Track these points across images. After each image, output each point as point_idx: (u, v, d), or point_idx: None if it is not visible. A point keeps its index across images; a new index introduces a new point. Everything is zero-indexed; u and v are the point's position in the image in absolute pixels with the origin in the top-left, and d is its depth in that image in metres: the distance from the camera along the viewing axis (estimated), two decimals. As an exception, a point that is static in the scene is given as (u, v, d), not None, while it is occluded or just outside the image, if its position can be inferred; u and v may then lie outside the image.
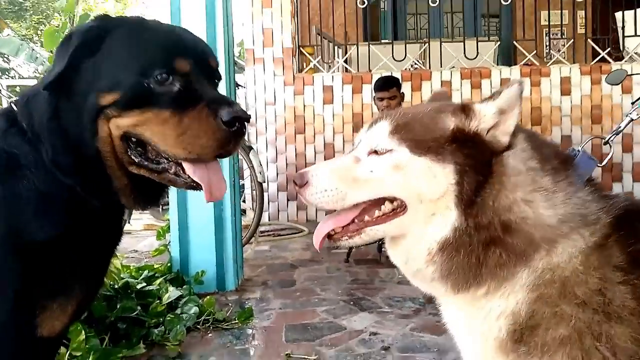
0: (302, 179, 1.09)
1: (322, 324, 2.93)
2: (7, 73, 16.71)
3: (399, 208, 1.06)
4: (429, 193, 1.02)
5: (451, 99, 1.27)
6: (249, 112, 6.35)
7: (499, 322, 1.01)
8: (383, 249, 4.26)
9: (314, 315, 3.06)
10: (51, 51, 2.87)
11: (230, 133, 1.18)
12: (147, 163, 1.23)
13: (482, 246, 0.99)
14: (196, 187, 1.22)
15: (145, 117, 1.19)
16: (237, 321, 2.93)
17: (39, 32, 16.66)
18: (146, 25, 1.29)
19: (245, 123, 1.21)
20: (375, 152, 1.08)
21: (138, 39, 1.24)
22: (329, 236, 1.11)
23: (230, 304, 3.25)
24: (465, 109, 1.07)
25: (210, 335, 2.81)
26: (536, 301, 0.98)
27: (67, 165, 1.22)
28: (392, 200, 1.06)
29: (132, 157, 1.23)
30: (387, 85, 4.65)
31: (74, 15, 3.10)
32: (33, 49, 7.53)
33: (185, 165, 1.22)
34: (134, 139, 1.22)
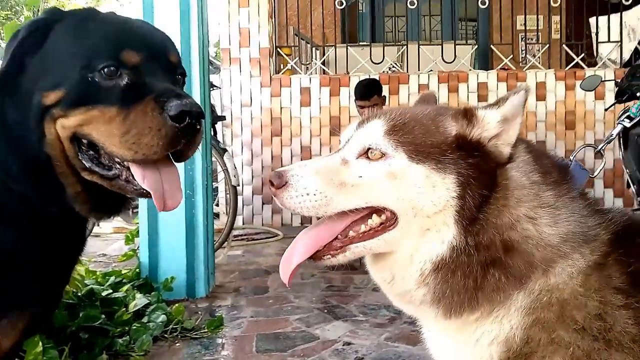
0: (280, 179, 0.95)
1: (295, 333, 2.85)
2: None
3: (388, 222, 0.95)
4: (426, 206, 0.92)
5: (438, 102, 1.19)
6: (221, 113, 6.24)
7: (490, 349, 0.92)
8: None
9: (286, 324, 2.98)
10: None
11: (180, 129, 1.07)
12: (99, 169, 1.14)
13: (481, 268, 0.90)
14: (147, 195, 1.12)
15: (90, 115, 1.10)
16: (206, 330, 2.83)
17: (3, 30, 16.23)
18: (95, 17, 1.19)
19: (200, 119, 1.10)
20: (367, 154, 0.96)
21: (84, 31, 1.14)
22: (309, 254, 0.97)
23: (200, 312, 3.15)
24: (467, 114, 0.97)
25: (177, 345, 2.70)
26: (532, 326, 0.89)
27: (16, 171, 1.13)
28: (380, 212, 0.95)
29: (84, 161, 1.13)
30: (368, 95, 4.58)
31: (38, 10, 2.95)
32: (1, 46, 7.29)
33: (134, 170, 1.11)
34: (85, 142, 1.12)
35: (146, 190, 1.11)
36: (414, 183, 0.92)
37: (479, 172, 0.92)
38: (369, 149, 0.96)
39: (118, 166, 1.13)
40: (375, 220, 0.95)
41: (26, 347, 2.09)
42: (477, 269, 0.89)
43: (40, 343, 2.14)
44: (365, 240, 0.96)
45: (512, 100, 0.94)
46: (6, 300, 1.12)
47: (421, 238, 0.93)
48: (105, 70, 1.09)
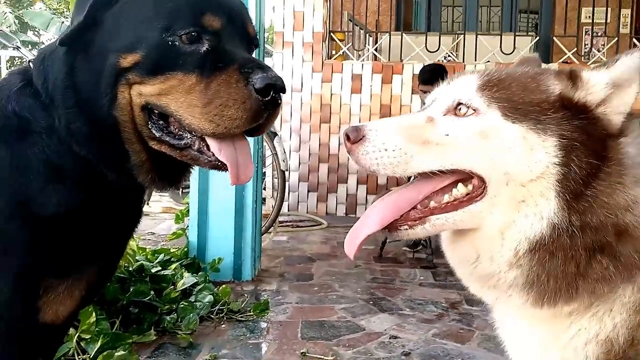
0: (357, 133, 0.87)
1: (340, 322, 2.81)
2: (37, 47, 16.88)
3: (476, 191, 0.84)
4: (522, 172, 0.81)
5: (540, 65, 1.07)
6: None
7: (587, 348, 0.82)
8: (419, 248, 4.11)
9: (331, 313, 2.94)
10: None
11: (264, 103, 1.02)
12: (169, 138, 1.09)
13: (586, 253, 0.79)
14: (221, 167, 1.08)
15: (169, 84, 1.04)
16: (252, 313, 2.83)
17: (69, 6, 16.76)
18: None
19: (282, 93, 1.05)
20: (455, 111, 0.87)
21: None
22: (384, 226, 0.87)
23: (245, 295, 3.15)
24: (572, 75, 0.87)
25: (223, 326, 2.71)
26: None
27: (82, 133, 1.09)
28: (466, 181, 0.86)
29: (153, 130, 1.09)
30: (432, 80, 4.44)
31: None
32: (63, 22, 7.51)
33: (210, 142, 1.07)
34: (156, 111, 1.08)
35: (220, 162, 1.07)
36: (508, 144, 0.82)
37: (587, 136, 0.81)
38: (458, 104, 0.87)
39: (189, 135, 1.08)
40: (461, 189, 0.86)
41: (80, 316, 2.13)
42: (581, 253, 0.79)
43: (94, 314, 2.18)
44: (448, 212, 0.86)
45: (623, 61, 0.83)
46: (64, 265, 1.10)
47: (515, 211, 0.82)
48: (187, 34, 1.04)
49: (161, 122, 1.09)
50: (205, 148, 1.08)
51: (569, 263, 0.79)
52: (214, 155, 1.07)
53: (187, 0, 1.07)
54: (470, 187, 0.86)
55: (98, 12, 1.06)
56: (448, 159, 0.85)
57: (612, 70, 0.84)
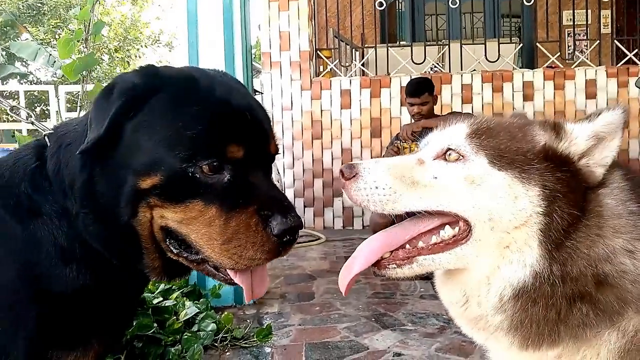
0: (351, 171, 0.91)
1: (344, 342, 2.83)
2: (25, 78, 16.90)
3: (462, 234, 0.88)
4: (506, 218, 0.84)
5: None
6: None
7: None
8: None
9: (334, 333, 2.96)
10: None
11: (281, 244, 1.03)
12: (187, 254, 1.09)
13: (566, 301, 0.82)
14: (235, 284, 1.10)
15: (190, 215, 1.03)
16: (255, 339, 2.84)
17: (56, 36, 16.82)
18: (197, 90, 1.08)
19: (299, 231, 1.05)
20: (444, 156, 0.91)
21: (185, 112, 1.04)
22: (372, 263, 0.91)
23: (248, 320, 3.16)
24: (555, 126, 0.91)
25: (228, 354, 2.72)
26: None
27: (98, 234, 1.10)
28: (453, 224, 0.89)
29: (171, 247, 1.09)
30: (419, 92, 4.52)
31: (89, 23, 3.03)
32: (50, 54, 7.55)
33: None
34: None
35: (233, 281, 1.09)
36: (493, 191, 0.85)
37: (568, 189, 0.84)
38: (447, 150, 0.91)
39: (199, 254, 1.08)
40: (448, 232, 0.89)
41: (85, 356, 2.14)
42: (562, 301, 0.82)
43: (98, 352, 2.20)
44: (435, 253, 0.90)
45: (605, 116, 0.87)
46: (71, 339, 1.12)
47: (500, 257, 0.86)
48: (208, 166, 1.01)
49: (178, 239, 1.09)
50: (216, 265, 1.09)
51: (550, 310, 0.82)
52: (228, 274, 1.08)
53: (210, 127, 1.04)
54: (456, 229, 0.89)
55: (118, 123, 1.03)
56: (434, 201, 0.88)
57: (595, 123, 0.88)
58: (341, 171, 0.93)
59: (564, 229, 0.83)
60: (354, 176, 0.91)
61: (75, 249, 1.11)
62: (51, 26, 16.97)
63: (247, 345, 2.79)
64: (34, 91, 16.41)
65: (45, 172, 1.13)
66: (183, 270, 1.19)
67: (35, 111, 17.22)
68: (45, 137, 1.19)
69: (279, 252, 1.04)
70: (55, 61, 9.35)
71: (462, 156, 0.89)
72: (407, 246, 0.91)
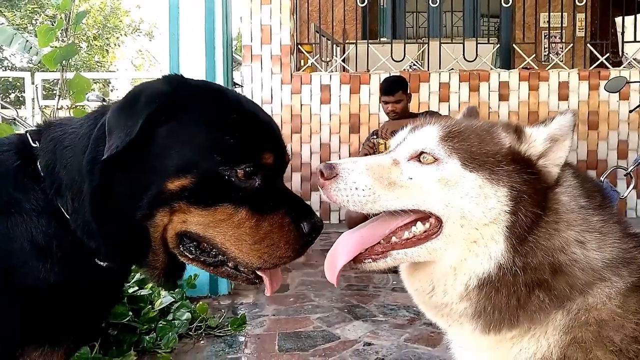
0: (331, 171, 0.94)
1: (316, 332, 2.90)
2: (1, 63, 16.52)
3: (433, 229, 0.94)
4: (476, 217, 0.90)
5: (479, 115, 1.20)
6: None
7: None
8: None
9: (307, 323, 3.03)
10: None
11: (307, 243, 1.08)
12: (204, 258, 1.10)
13: (526, 288, 0.89)
14: (256, 283, 1.13)
15: (218, 217, 1.04)
16: (229, 328, 2.89)
17: (33, 21, 16.50)
18: (227, 100, 1.12)
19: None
20: (419, 158, 0.96)
21: (222, 119, 1.07)
22: (352, 257, 0.96)
23: (222, 310, 3.21)
24: (517, 129, 0.98)
25: (202, 342, 2.77)
26: (569, 345, 0.89)
27: (102, 234, 1.09)
28: (424, 220, 0.95)
29: (186, 252, 1.10)
30: (393, 90, 4.60)
31: (70, 13, 3.02)
32: (27, 40, 7.42)
33: None
34: (189, 237, 1.08)
35: (257, 279, 1.12)
36: (465, 191, 0.91)
37: (532, 190, 0.91)
38: (422, 152, 0.95)
39: (221, 255, 1.09)
40: (419, 227, 0.95)
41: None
42: (522, 289, 0.89)
43: (73, 339, 2.23)
44: (407, 248, 0.95)
45: (558, 120, 0.95)
46: (42, 334, 1.11)
47: (467, 250, 0.92)
48: (243, 170, 1.04)
49: (194, 243, 1.10)
50: (240, 266, 1.10)
51: (511, 297, 0.89)
52: (252, 273, 1.11)
53: (247, 135, 1.07)
54: (427, 225, 0.94)
55: (148, 128, 1.03)
56: (410, 200, 0.93)
57: (550, 127, 0.95)
58: (320, 171, 0.95)
59: (528, 226, 0.90)
60: (334, 176, 0.94)
61: (52, 248, 1.10)
62: (28, 11, 16.60)
63: (221, 334, 2.85)
64: (9, 77, 16.06)
65: (30, 171, 1.12)
66: (180, 274, 1.20)
67: (10, 98, 16.88)
68: (28, 135, 1.17)
69: (304, 250, 1.10)
70: (31, 47, 9.20)
71: (436, 159, 0.94)
72: (382, 241, 0.96)
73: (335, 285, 1.01)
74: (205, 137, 1.05)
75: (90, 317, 1.21)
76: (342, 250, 0.98)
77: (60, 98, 2.75)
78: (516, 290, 0.90)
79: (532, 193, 0.91)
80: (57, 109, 4.31)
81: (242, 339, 2.83)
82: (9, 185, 1.10)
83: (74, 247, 1.11)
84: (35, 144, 1.15)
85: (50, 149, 1.13)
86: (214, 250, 1.09)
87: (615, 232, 0.94)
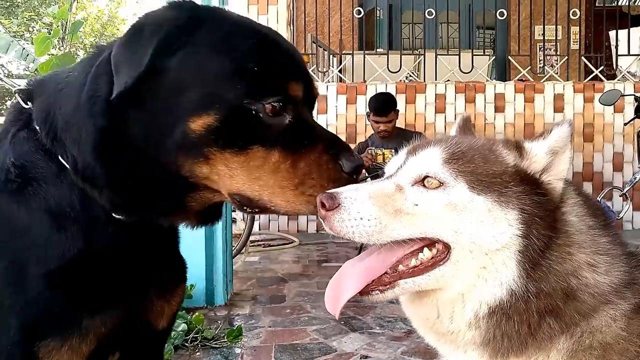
0: (333, 201, 0.87)
1: (313, 344, 2.89)
2: (-4, 69, 16.49)
3: (440, 256, 0.89)
4: (487, 242, 0.85)
5: (473, 127, 1.15)
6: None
7: None
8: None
9: (304, 335, 3.02)
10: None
11: (348, 182, 0.97)
12: (252, 210, 1.00)
13: (538, 315, 0.85)
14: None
15: (252, 163, 0.94)
16: (226, 339, 2.87)
17: (30, 29, 16.49)
18: (244, 25, 1.00)
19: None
20: (423, 182, 0.90)
21: (242, 43, 0.95)
22: (359, 290, 0.90)
23: (219, 321, 3.19)
24: (517, 145, 0.93)
25: (198, 354, 2.75)
26: None
27: (110, 178, 0.97)
28: (431, 246, 0.90)
29: (237, 207, 1.00)
30: (385, 111, 4.62)
31: (66, 21, 3.03)
32: (24, 48, 7.41)
33: None
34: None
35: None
36: (475, 216, 0.86)
37: (543, 211, 0.87)
38: (426, 177, 0.90)
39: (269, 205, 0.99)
40: (426, 254, 0.90)
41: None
42: (534, 316, 0.85)
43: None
44: (415, 276, 0.90)
45: (557, 131, 0.91)
46: (64, 323, 0.99)
47: (476, 276, 0.87)
48: (271, 105, 0.93)
49: (241, 200, 0.99)
50: (288, 213, 1.01)
51: (522, 325, 0.86)
52: None
53: (271, 62, 0.94)
54: (434, 251, 0.90)
55: (158, 59, 0.92)
56: (418, 228, 0.88)
57: (549, 139, 0.91)
58: (321, 202, 0.88)
59: (541, 249, 0.86)
60: (336, 207, 0.87)
61: (70, 212, 0.99)
62: (25, 19, 16.60)
63: (217, 345, 2.83)
64: (4, 85, 16.00)
65: (29, 132, 1.01)
66: (218, 217, 1.11)
67: (6, 105, 16.81)
68: (18, 97, 1.06)
69: None
70: (28, 55, 9.20)
71: (442, 183, 0.89)
72: (388, 270, 0.91)
73: (335, 317, 0.95)
74: (224, 64, 0.92)
75: (126, 294, 1.05)
76: (348, 282, 0.92)
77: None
78: (528, 317, 0.86)
79: (543, 214, 0.87)
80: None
81: (238, 350, 2.81)
82: (12, 155, 1.00)
83: (84, 204, 0.99)
84: (28, 104, 1.04)
85: (44, 100, 1.02)
86: (260, 203, 0.97)
87: (618, 253, 0.91)
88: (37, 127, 1.01)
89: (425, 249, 0.90)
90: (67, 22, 2.94)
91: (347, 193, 0.89)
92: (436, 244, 0.90)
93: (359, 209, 0.87)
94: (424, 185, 0.90)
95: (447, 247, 0.89)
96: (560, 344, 0.87)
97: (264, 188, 0.95)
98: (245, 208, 1.00)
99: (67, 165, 0.99)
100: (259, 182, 0.95)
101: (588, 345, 0.86)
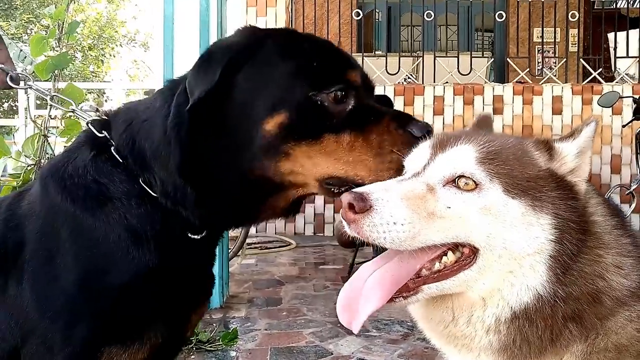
0: (364, 203, 0.79)
1: (309, 347, 2.86)
2: (-6, 71, 16.41)
3: (465, 259, 0.83)
4: (519, 247, 0.81)
5: (493, 126, 1.10)
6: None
7: None
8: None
9: (300, 338, 2.99)
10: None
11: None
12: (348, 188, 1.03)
13: (563, 320, 0.81)
14: None
15: (327, 149, 1.00)
16: (221, 342, 2.85)
17: (28, 31, 16.50)
18: (298, 35, 1.12)
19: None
20: (455, 183, 0.84)
21: (299, 48, 1.06)
22: (386, 300, 0.83)
23: (214, 324, 3.16)
24: (547, 146, 0.88)
25: (193, 357, 2.72)
26: None
27: (199, 194, 1.06)
28: (455, 249, 0.84)
29: (329, 191, 1.05)
30: None
31: (63, 22, 3.01)
32: (21, 50, 7.39)
33: None
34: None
35: None
36: (509, 220, 0.81)
37: (577, 215, 0.83)
38: (460, 176, 0.84)
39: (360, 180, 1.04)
40: (450, 257, 0.84)
41: None
42: (559, 321, 0.81)
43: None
44: (439, 281, 0.84)
45: (586, 131, 0.87)
46: (126, 332, 1.07)
47: (501, 280, 0.82)
48: (334, 92, 1.01)
49: (333, 181, 1.05)
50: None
51: (546, 330, 0.81)
52: None
53: (326, 57, 1.05)
54: (458, 254, 0.84)
55: (228, 77, 1.02)
56: (451, 232, 0.82)
57: (579, 140, 0.87)
58: (350, 203, 0.79)
59: (574, 254, 0.81)
60: (367, 209, 0.79)
61: (145, 229, 1.08)
62: (23, 21, 16.60)
63: (212, 348, 2.80)
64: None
65: (106, 159, 1.11)
66: (298, 209, 1.18)
67: (3, 107, 16.79)
68: (90, 126, 1.16)
69: None
70: (25, 57, 9.17)
71: (477, 184, 0.83)
72: (412, 276, 0.85)
73: (354, 332, 0.86)
74: (285, 67, 1.03)
75: (178, 308, 1.15)
76: (371, 292, 0.83)
77: (52, 108, 2.73)
78: (553, 323, 0.81)
79: (575, 218, 0.83)
80: (51, 118, 4.28)
81: (233, 353, 2.78)
82: (95, 174, 1.09)
83: (164, 224, 1.08)
84: (103, 133, 1.14)
85: (124, 130, 1.12)
86: (349, 178, 1.03)
87: (637, 254, 0.87)
88: (117, 154, 1.11)
89: (449, 252, 0.84)
90: (63, 23, 2.91)
91: (377, 194, 0.81)
92: (460, 247, 0.84)
93: (392, 212, 0.79)
94: (457, 187, 0.84)
95: (474, 251, 0.83)
96: (575, 347, 0.83)
97: (346, 165, 1.01)
98: (333, 190, 1.05)
99: (151, 190, 1.08)
100: (340, 162, 1.01)
101: (603, 347, 0.82)
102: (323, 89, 1.00)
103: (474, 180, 0.83)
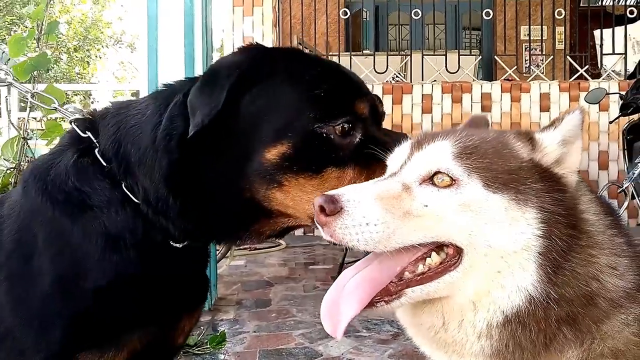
0: (334, 205, 0.77)
1: (298, 349, 2.83)
2: (-22, 73, 16.20)
3: (450, 260, 0.80)
4: (504, 244, 0.77)
5: (490, 126, 1.05)
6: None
7: None
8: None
9: (289, 340, 2.95)
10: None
11: None
12: None
13: (557, 323, 0.77)
14: None
15: (327, 184, 0.96)
16: (209, 346, 2.80)
17: (12, 32, 16.26)
18: (307, 58, 1.07)
19: None
20: (432, 180, 0.81)
21: (307, 74, 1.02)
22: (365, 305, 0.80)
23: (202, 327, 3.11)
24: (528, 137, 0.84)
25: (180, 361, 2.68)
26: None
27: (183, 207, 1.04)
28: (439, 250, 0.81)
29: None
30: None
31: (42, 22, 2.95)
32: (4, 52, 7.29)
33: None
34: None
35: None
36: (491, 216, 0.77)
37: (564, 208, 0.79)
38: (436, 173, 0.81)
39: None
40: (434, 258, 0.81)
41: None
42: (553, 324, 0.77)
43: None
44: (423, 284, 0.80)
45: (568, 119, 0.83)
46: (102, 337, 1.05)
47: (490, 281, 0.79)
48: (341, 126, 0.97)
49: None
50: None
51: (539, 334, 0.78)
52: None
53: (335, 86, 1.00)
54: (443, 255, 0.81)
55: (232, 99, 0.98)
56: (429, 232, 0.79)
57: (561, 128, 0.84)
58: (320, 206, 0.78)
59: (564, 251, 0.78)
60: (337, 211, 0.77)
61: (125, 237, 1.05)
62: (6, 22, 16.38)
63: (200, 352, 2.76)
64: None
65: (89, 161, 1.08)
66: (286, 233, 1.15)
67: (-12, 110, 16.55)
68: (74, 126, 1.12)
69: None
70: (9, 59, 9.05)
71: (454, 180, 0.79)
72: (394, 279, 0.81)
73: (338, 339, 0.85)
74: (292, 94, 0.98)
75: (164, 314, 1.12)
76: (350, 297, 0.81)
77: (32, 110, 2.67)
78: (546, 326, 0.77)
79: (563, 212, 0.79)
80: (35, 121, 4.20)
81: (221, 357, 2.74)
82: (76, 181, 1.06)
83: (144, 231, 1.06)
84: (87, 133, 1.10)
85: (112, 133, 1.08)
86: None
87: (634, 255, 0.84)
88: (101, 157, 1.07)
89: (433, 254, 0.81)
90: (42, 22, 2.85)
91: (349, 195, 0.79)
92: (445, 247, 0.81)
93: (364, 212, 0.77)
94: (434, 184, 0.81)
95: (459, 251, 0.80)
96: (570, 352, 0.79)
97: None
98: None
99: (133, 196, 1.05)
100: None
101: (599, 353, 0.78)
102: (330, 121, 0.96)
103: (450, 176, 0.80)
